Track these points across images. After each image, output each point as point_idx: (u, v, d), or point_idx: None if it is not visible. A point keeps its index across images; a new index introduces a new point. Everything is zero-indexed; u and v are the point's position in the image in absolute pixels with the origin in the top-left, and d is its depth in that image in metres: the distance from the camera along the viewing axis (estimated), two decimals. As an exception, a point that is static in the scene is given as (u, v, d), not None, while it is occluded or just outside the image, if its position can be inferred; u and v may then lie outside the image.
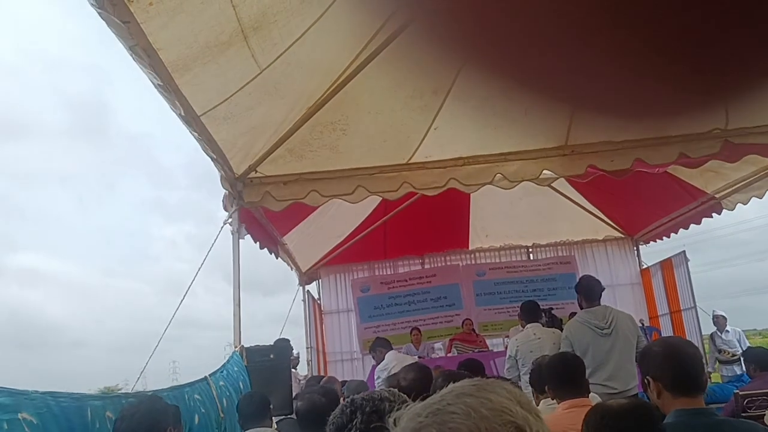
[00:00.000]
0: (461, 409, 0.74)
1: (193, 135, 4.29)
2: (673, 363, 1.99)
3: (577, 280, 9.67)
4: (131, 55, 3.30)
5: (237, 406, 3.51)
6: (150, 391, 2.98)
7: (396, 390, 1.66)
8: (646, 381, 2.07)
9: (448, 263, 10.54)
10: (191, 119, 4.11)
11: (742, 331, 8.95)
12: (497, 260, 10.57)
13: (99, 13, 2.95)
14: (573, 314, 7.22)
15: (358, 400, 1.51)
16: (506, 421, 0.73)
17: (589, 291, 4.67)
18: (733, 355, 8.30)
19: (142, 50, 3.29)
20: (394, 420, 0.79)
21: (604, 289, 4.76)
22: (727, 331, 8.62)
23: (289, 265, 8.60)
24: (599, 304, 4.61)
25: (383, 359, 5.94)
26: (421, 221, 9.05)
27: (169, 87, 3.68)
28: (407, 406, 1.27)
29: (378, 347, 6.26)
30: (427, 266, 10.55)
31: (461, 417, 0.73)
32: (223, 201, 5.27)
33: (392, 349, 6.37)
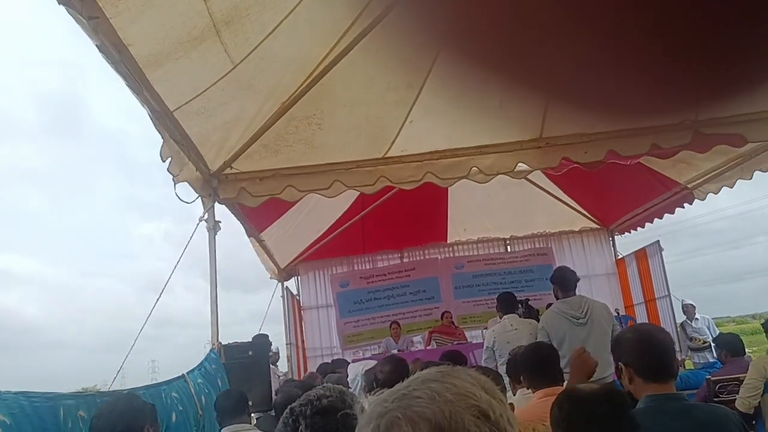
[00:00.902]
0: (426, 393, 0.75)
1: (167, 133, 4.22)
2: (645, 349, 2.03)
3: (554, 270, 9.83)
4: (101, 53, 3.25)
5: (215, 403, 3.50)
6: (126, 390, 2.96)
7: (331, 385, 1.61)
8: (619, 367, 2.11)
9: (427, 257, 10.57)
10: (164, 116, 4.06)
11: (712, 318, 9.12)
12: (475, 253, 10.63)
13: (67, 10, 2.90)
14: (550, 305, 7.32)
15: (297, 407, 1.46)
16: (470, 405, 0.75)
17: (564, 281, 4.73)
18: (704, 342, 8.48)
19: (112, 46, 3.24)
20: (362, 407, 0.81)
21: (578, 279, 4.82)
22: (697, 318, 8.80)
23: (265, 261, 8.55)
24: (574, 295, 4.67)
25: (347, 375, 5.83)
26: (400, 215, 9.06)
27: (141, 83, 3.64)
28: (350, 396, 1.31)
29: (337, 369, 6.13)
30: (405, 260, 10.57)
31: (425, 401, 0.74)
32: (179, 195, 4.89)
33: (349, 363, 6.31)
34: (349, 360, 6.86)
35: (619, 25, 4.14)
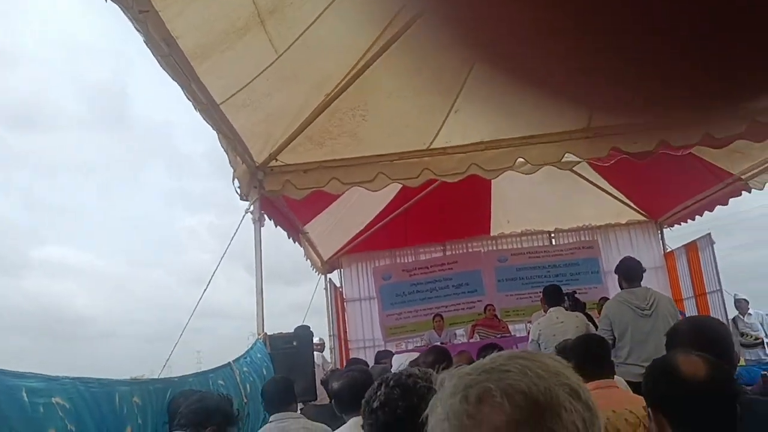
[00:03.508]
0: (516, 368, 0.73)
1: (211, 126, 4.28)
2: (699, 339, 1.95)
3: (600, 264, 9.59)
4: (149, 47, 3.30)
5: (262, 390, 3.54)
6: (176, 377, 3.01)
7: (424, 369, 1.72)
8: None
9: (470, 250, 10.48)
10: (211, 108, 4.11)
11: (766, 314, 8.73)
12: (519, 246, 10.50)
13: (119, 6, 2.94)
14: (603, 298, 7.18)
15: (384, 378, 1.68)
16: (562, 383, 0.73)
17: (629, 271, 4.62)
18: (756, 339, 8.14)
19: (162, 39, 3.29)
20: (440, 381, 0.80)
21: (644, 270, 4.70)
22: (750, 314, 8.43)
23: (308, 254, 8.60)
24: (640, 286, 4.56)
25: (391, 365, 5.84)
26: (442, 208, 9.00)
27: (189, 76, 3.68)
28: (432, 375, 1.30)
29: (381, 359, 6.13)
30: (448, 253, 10.50)
31: (517, 374, 0.72)
32: (237, 190, 5.09)
33: (393, 354, 6.30)
34: (393, 351, 6.86)
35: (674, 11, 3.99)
